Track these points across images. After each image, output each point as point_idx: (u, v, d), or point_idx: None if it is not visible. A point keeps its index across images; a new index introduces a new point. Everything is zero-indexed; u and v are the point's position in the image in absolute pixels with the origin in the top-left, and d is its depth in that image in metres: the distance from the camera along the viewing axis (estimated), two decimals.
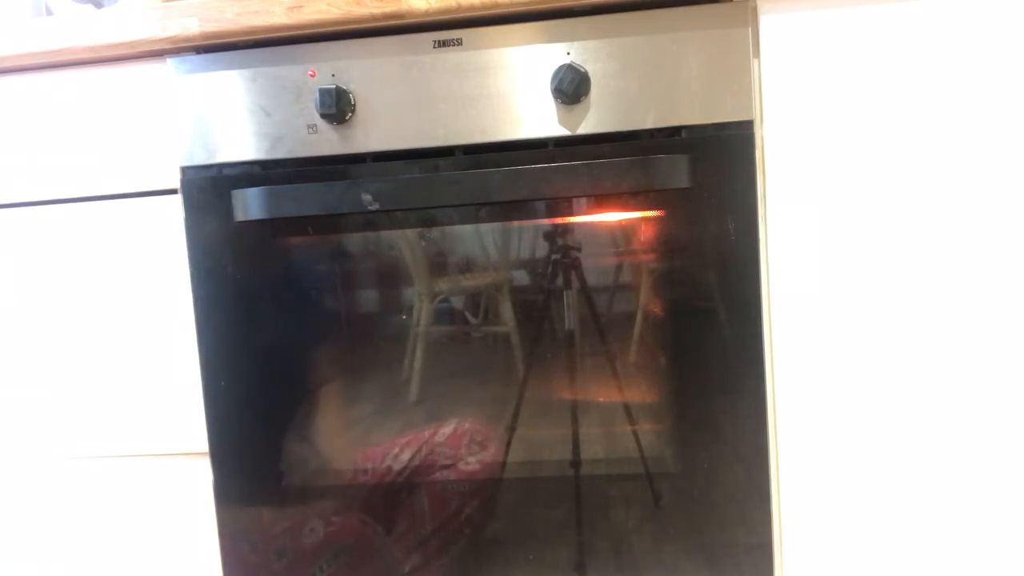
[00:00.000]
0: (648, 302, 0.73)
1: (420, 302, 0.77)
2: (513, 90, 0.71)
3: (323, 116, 0.71)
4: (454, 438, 0.77)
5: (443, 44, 0.71)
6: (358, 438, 0.79)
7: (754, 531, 0.73)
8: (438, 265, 0.76)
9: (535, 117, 0.71)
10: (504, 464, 0.77)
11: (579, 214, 0.73)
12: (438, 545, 0.77)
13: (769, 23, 0.69)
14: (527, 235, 0.75)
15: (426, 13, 0.69)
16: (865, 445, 0.72)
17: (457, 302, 0.78)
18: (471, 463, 0.77)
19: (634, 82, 0.70)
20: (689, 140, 0.70)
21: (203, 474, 0.79)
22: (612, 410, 0.76)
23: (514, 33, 0.70)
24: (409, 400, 0.78)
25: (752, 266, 0.70)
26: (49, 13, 0.99)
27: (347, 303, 0.77)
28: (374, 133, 0.73)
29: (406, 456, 0.78)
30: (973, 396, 0.70)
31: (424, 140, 0.72)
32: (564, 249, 0.74)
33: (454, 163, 0.73)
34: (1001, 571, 0.72)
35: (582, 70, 0.69)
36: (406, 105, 0.72)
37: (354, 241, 0.76)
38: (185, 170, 0.75)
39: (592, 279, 0.74)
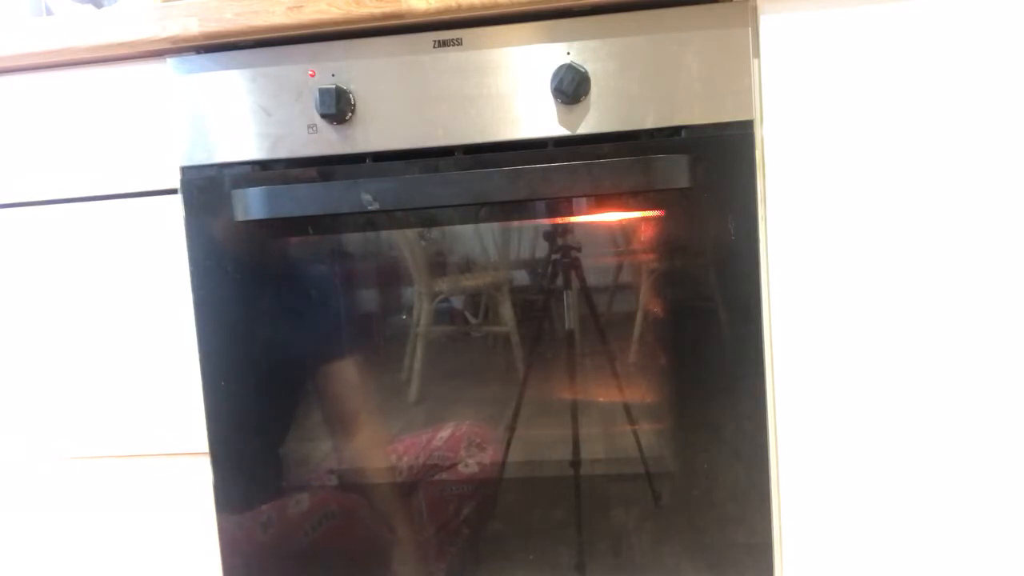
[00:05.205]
0: (648, 302, 0.73)
1: (420, 302, 0.77)
2: (513, 90, 0.71)
3: (323, 116, 0.71)
4: (453, 441, 0.77)
5: (443, 44, 0.71)
6: (358, 439, 0.79)
7: (754, 531, 0.73)
8: (438, 265, 0.76)
9: (535, 117, 0.71)
10: (504, 464, 0.77)
11: (579, 214, 0.73)
12: (438, 545, 0.77)
13: (769, 23, 0.69)
14: (527, 235, 0.75)
15: (426, 13, 0.69)
16: (865, 445, 0.72)
17: (457, 302, 0.78)
18: (470, 465, 0.77)
19: (634, 82, 0.70)
20: (689, 140, 0.70)
21: (203, 474, 0.79)
22: (612, 410, 0.76)
23: (514, 33, 0.70)
24: (409, 400, 0.78)
25: (752, 266, 0.70)
26: (49, 13, 0.99)
27: (347, 303, 0.77)
28: (374, 133, 0.73)
29: (405, 460, 0.78)
30: (973, 396, 0.70)
31: (424, 140, 0.72)
32: (564, 249, 0.74)
33: (454, 163, 0.72)
34: (1001, 571, 0.72)
35: (582, 70, 0.69)
36: (406, 105, 0.72)
37: (354, 241, 0.76)
38: (185, 170, 0.75)
39: (592, 279, 0.74)
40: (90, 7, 1.00)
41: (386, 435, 0.79)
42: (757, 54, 0.69)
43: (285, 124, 0.74)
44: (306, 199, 0.71)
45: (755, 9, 0.69)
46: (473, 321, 0.78)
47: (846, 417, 0.72)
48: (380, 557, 0.78)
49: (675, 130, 0.71)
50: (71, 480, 0.82)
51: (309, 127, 0.73)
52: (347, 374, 0.78)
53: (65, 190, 0.78)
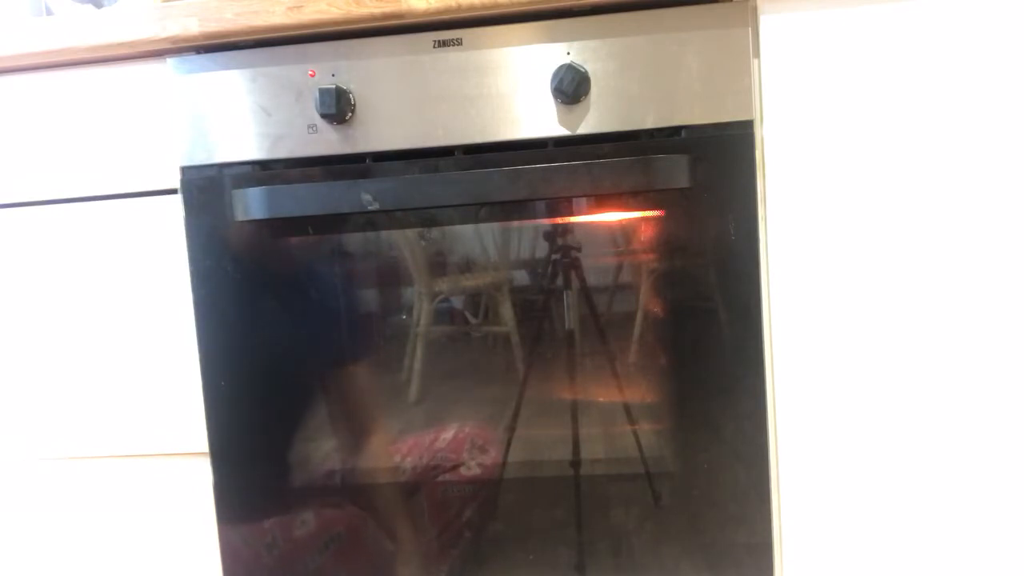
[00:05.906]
0: (648, 302, 0.73)
1: (420, 302, 0.77)
2: (513, 90, 0.71)
3: (323, 116, 0.71)
4: (456, 442, 0.77)
5: (443, 44, 0.71)
6: (359, 439, 0.79)
7: (754, 531, 0.73)
8: (438, 265, 0.76)
9: (535, 117, 0.71)
10: (504, 464, 0.77)
11: (579, 214, 0.73)
12: (439, 546, 0.77)
13: (769, 23, 0.69)
14: (527, 235, 0.75)
15: (426, 13, 0.69)
16: (865, 445, 0.72)
17: (457, 302, 0.78)
18: (472, 467, 0.77)
19: (634, 82, 0.70)
20: (689, 140, 0.70)
21: (203, 474, 0.79)
22: (612, 410, 0.76)
23: (514, 33, 0.70)
24: (409, 400, 0.78)
25: (752, 266, 0.70)
26: (49, 13, 0.99)
27: (347, 303, 0.77)
28: (374, 133, 0.73)
29: (408, 460, 0.78)
30: (973, 396, 0.70)
31: (424, 140, 0.72)
32: (564, 249, 0.74)
33: (454, 163, 0.72)
34: (1001, 571, 0.72)
35: (582, 70, 0.69)
36: (406, 105, 0.72)
37: (354, 241, 0.76)
38: (185, 170, 0.75)
39: (592, 279, 0.74)
40: (90, 7, 1.00)
41: (387, 436, 0.79)
42: (757, 54, 0.69)
43: (285, 124, 0.74)
44: (306, 199, 0.71)
45: (755, 9, 0.69)
46: (473, 321, 0.78)
47: (846, 417, 0.72)
48: None
49: (675, 130, 0.71)
50: (71, 480, 0.82)
51: (309, 127, 0.73)
52: (346, 374, 0.78)
53: (65, 190, 0.78)
